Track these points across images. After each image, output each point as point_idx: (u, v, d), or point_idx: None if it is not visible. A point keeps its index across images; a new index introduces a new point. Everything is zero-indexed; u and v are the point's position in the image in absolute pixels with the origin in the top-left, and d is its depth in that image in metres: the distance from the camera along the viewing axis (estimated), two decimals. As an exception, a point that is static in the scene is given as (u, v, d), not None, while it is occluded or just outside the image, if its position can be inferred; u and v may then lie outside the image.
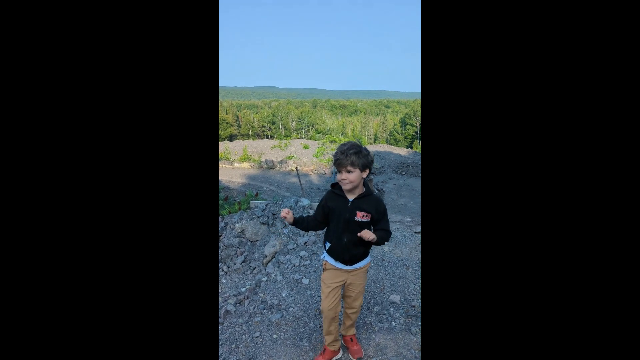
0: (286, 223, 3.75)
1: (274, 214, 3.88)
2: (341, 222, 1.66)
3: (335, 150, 1.58)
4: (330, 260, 1.75)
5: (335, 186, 1.70)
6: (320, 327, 2.23)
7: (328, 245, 1.73)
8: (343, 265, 1.72)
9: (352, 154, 1.53)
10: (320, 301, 1.81)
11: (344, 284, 1.77)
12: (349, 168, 1.54)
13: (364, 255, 1.74)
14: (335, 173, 1.61)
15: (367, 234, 1.52)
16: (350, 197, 1.65)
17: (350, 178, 1.56)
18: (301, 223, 1.74)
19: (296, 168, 13.40)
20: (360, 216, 1.63)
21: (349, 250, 1.68)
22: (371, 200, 1.66)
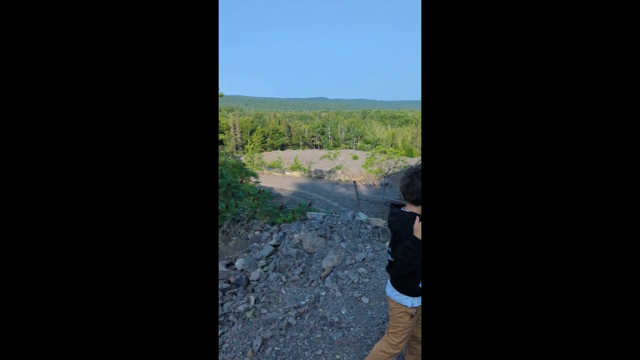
0: (344, 237, 3.75)
1: (331, 227, 3.91)
2: None
3: (416, 179, 1.43)
4: (420, 300, 1.49)
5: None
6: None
7: (420, 284, 1.45)
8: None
9: None
10: (390, 340, 1.60)
11: None
12: None
13: None
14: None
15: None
16: None
17: None
18: None
19: (354, 182, 13.57)
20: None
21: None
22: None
